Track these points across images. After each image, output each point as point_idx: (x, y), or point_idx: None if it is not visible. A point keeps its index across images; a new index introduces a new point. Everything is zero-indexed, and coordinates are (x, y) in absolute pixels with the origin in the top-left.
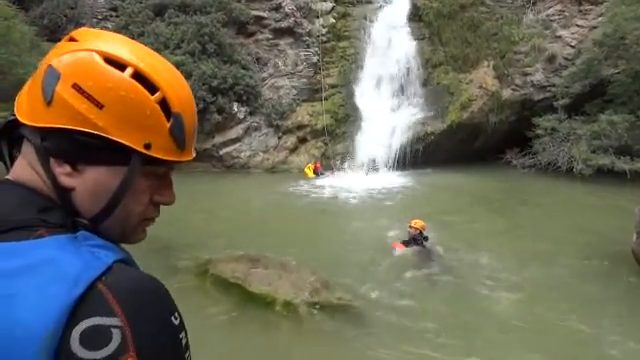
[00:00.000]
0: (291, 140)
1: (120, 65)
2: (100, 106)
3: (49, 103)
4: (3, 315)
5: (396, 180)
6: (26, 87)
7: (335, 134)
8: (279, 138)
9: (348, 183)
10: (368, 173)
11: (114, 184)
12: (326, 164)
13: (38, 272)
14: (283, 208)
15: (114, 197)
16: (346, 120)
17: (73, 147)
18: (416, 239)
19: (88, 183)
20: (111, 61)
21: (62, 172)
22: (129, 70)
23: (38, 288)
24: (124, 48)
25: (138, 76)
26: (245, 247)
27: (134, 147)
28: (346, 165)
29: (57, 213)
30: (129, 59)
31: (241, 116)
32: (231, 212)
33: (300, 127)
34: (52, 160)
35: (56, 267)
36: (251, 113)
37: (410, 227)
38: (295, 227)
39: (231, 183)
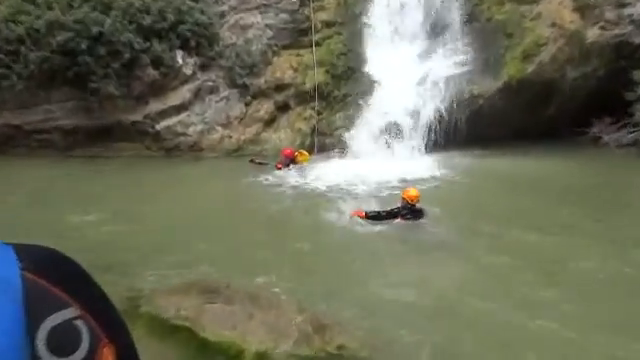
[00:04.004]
0: (265, 107)
1: None
2: None
3: None
4: None
5: (424, 167)
6: None
7: (332, 98)
8: (247, 105)
9: (350, 172)
10: (382, 157)
11: None
12: (319, 143)
13: None
14: (252, 210)
15: None
16: (349, 76)
17: None
18: (404, 211)
19: None
20: None
21: None
22: None
23: None
24: None
25: None
26: (196, 269)
27: None
28: (347, 145)
29: None
30: None
31: (188, 71)
32: (173, 217)
33: (279, 88)
34: None
35: None
36: (203, 66)
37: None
38: (271, 239)
39: (174, 173)
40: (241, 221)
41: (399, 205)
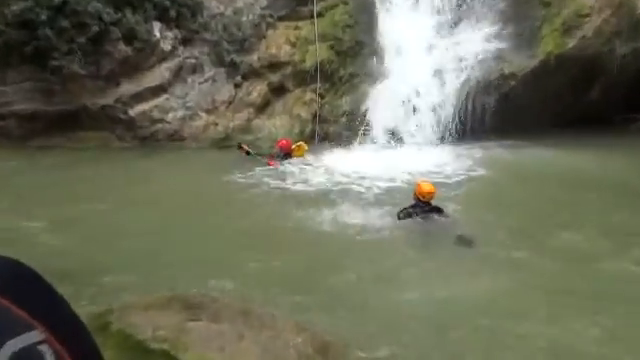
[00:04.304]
0: (258, 90)
1: None
2: None
3: None
4: None
5: (446, 160)
6: None
7: (337, 78)
8: (236, 86)
9: (356, 166)
10: (396, 148)
11: None
12: (321, 132)
13: None
14: (241, 212)
15: None
16: (356, 53)
17: None
18: (416, 210)
19: None
20: None
21: None
22: None
23: None
24: None
25: None
26: (175, 281)
27: None
28: (354, 134)
29: None
30: None
31: (167, 47)
32: (148, 219)
33: (274, 66)
34: None
35: None
36: (185, 41)
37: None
38: (263, 246)
39: (149, 167)
40: (228, 225)
41: (411, 204)
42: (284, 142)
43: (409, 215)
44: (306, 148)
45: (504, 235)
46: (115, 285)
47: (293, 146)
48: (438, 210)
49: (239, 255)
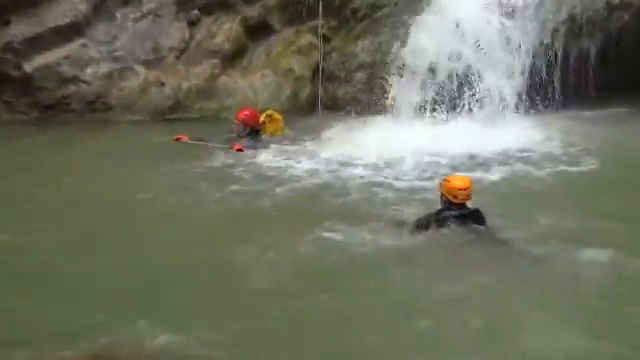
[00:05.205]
0: (227, 30)
1: None
2: None
3: None
4: None
5: (526, 142)
6: None
7: (349, 12)
8: (192, 25)
9: (377, 152)
10: (447, 118)
11: None
12: (326, 95)
13: None
14: (194, 229)
15: None
16: None
17: None
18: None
19: None
20: None
21: None
22: None
23: None
24: None
25: None
26: (99, 331)
27: None
28: (376, 100)
29: None
30: None
31: None
32: (52, 239)
33: None
34: None
35: None
36: None
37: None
38: (231, 280)
39: (53, 154)
40: (174, 249)
41: (441, 208)
42: (247, 113)
43: (442, 223)
44: (280, 118)
45: (581, 256)
46: (11, 336)
47: (261, 118)
48: (475, 215)
49: (192, 294)
